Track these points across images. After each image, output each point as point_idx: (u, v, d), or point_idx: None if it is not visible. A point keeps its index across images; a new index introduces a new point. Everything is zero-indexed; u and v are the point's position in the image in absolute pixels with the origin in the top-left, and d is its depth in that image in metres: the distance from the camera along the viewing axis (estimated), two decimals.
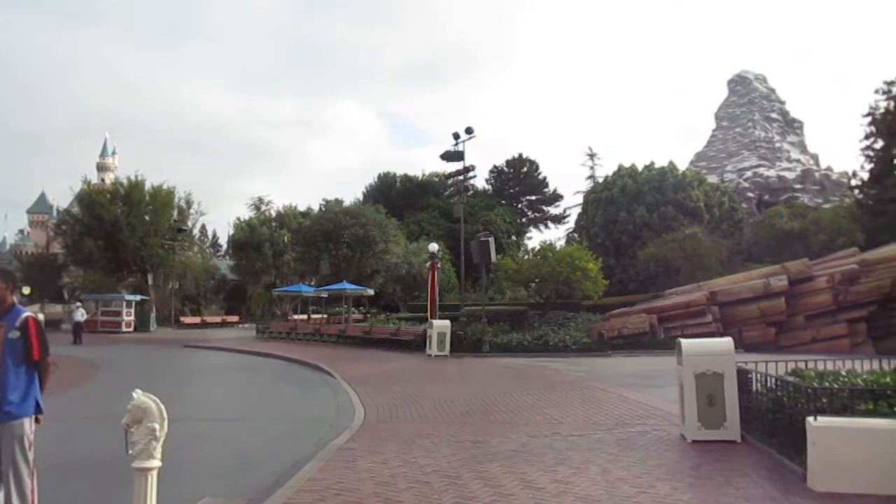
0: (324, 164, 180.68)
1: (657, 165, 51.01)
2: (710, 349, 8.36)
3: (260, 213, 57.22)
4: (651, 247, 39.64)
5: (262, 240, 51.57)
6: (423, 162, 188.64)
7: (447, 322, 23.20)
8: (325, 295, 37.73)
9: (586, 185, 75.00)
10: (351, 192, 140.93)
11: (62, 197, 65.18)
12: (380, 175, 74.15)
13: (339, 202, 58.37)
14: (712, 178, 59.91)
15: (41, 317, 22.76)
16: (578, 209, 61.64)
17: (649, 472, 6.66)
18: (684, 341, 8.53)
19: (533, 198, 76.14)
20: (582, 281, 28.54)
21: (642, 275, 42.09)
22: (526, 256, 42.75)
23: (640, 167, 51.26)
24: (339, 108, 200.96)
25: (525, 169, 74.90)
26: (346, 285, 35.10)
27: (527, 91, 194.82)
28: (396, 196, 68.20)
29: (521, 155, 75.37)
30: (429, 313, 26.51)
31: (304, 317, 41.30)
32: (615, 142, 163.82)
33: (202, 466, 7.67)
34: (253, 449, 8.76)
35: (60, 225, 54.23)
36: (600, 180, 61.69)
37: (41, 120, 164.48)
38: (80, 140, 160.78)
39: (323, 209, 55.70)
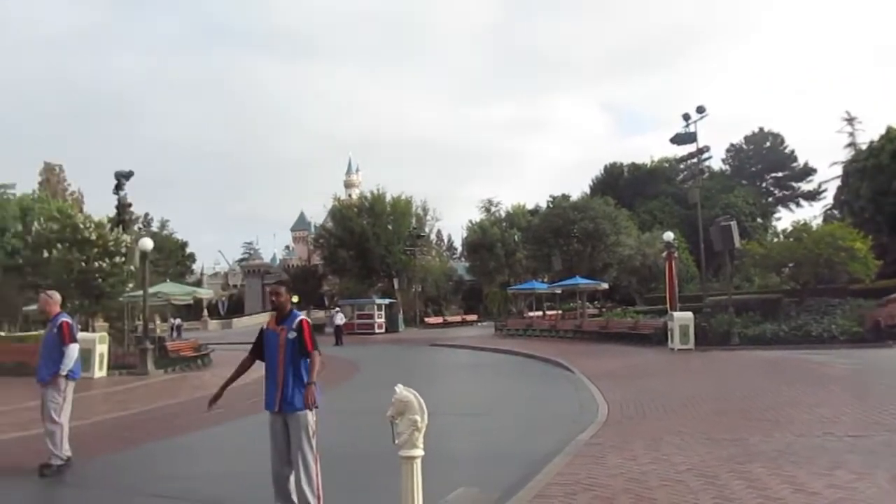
0: (547, 161, 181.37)
1: None
2: None
3: (490, 215, 59.06)
4: None
5: (493, 240, 53.13)
6: (651, 148, 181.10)
7: (689, 314, 22.03)
8: (558, 291, 37.77)
9: (845, 155, 66.66)
10: (577, 187, 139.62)
11: (318, 214, 72.77)
12: (605, 166, 72.70)
13: (566, 197, 58.33)
14: None
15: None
16: (837, 182, 54.93)
17: None
18: None
19: (779, 174, 69.60)
20: (847, 262, 25.36)
21: None
22: (775, 239, 39.06)
23: None
24: (558, 103, 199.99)
25: (768, 143, 68.75)
26: (578, 280, 34.84)
27: (762, 59, 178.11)
28: (624, 186, 66.35)
29: (761, 129, 69.37)
30: (668, 305, 25.38)
31: (539, 313, 41.71)
32: (879, 102, 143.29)
33: (452, 458, 8.00)
34: (499, 442, 8.99)
35: (318, 239, 60.70)
36: (863, 147, 54.35)
37: (295, 148, 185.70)
38: (328, 162, 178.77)
39: (550, 206, 55.99)
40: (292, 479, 5.11)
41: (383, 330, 46.22)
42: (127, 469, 8.23)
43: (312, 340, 5.23)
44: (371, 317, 46.61)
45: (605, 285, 37.64)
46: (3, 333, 29.48)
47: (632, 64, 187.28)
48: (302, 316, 5.38)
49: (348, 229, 51.91)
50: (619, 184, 67.32)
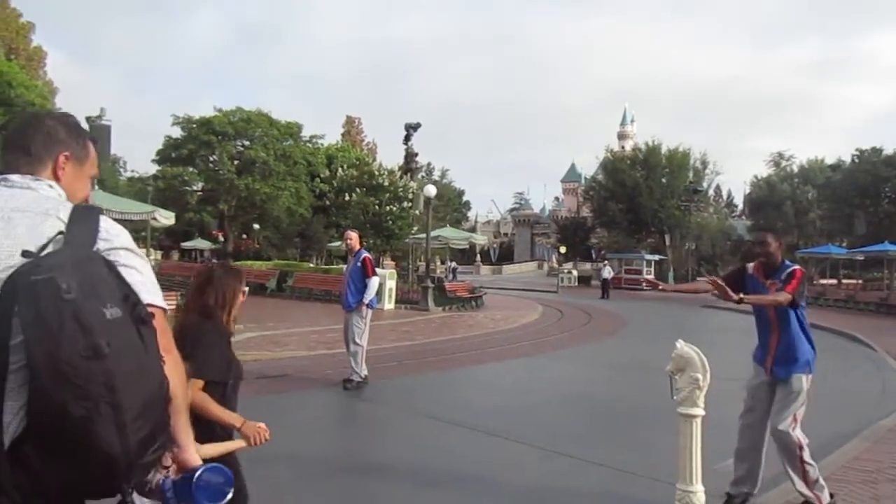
0: (857, 108, 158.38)
1: None
2: None
3: (780, 170, 53.70)
4: None
5: (782, 198, 48.38)
6: None
7: None
8: (860, 257, 33.27)
9: None
10: (893, 139, 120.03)
11: (588, 166, 71.99)
12: None
13: (877, 151, 50.59)
14: None
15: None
16: None
17: None
18: None
19: None
20: None
21: None
22: None
23: None
24: (876, 39, 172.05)
25: None
26: (888, 247, 30.24)
27: None
28: None
29: None
30: None
31: (834, 282, 37.18)
32: None
33: (727, 425, 7.50)
34: None
35: (588, 191, 60.35)
36: None
37: (569, 100, 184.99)
38: (601, 113, 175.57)
39: (856, 161, 49.12)
40: (762, 454, 4.63)
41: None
42: (412, 392, 9.14)
43: (797, 290, 4.44)
44: (639, 272, 45.25)
45: None
46: (312, 265, 34.19)
47: None
48: (795, 266, 4.58)
49: (620, 182, 50.77)
50: None
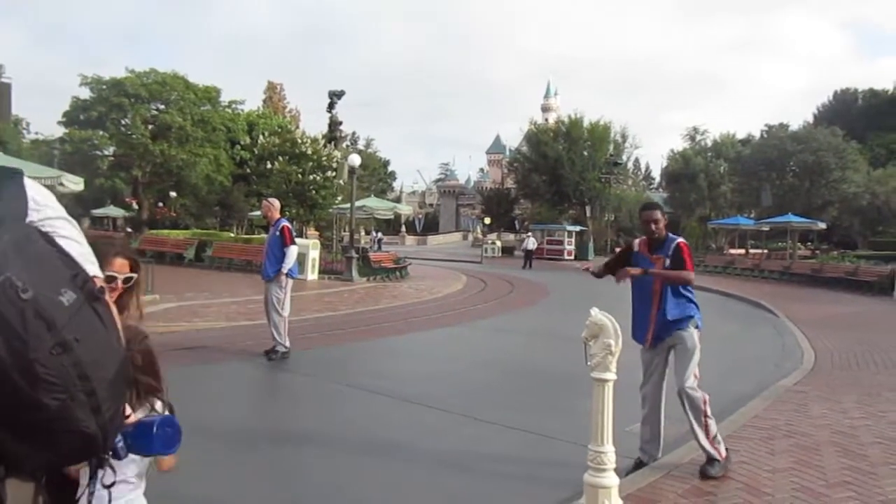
0: (767, 86, 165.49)
1: None
2: None
3: (695, 144, 55.54)
4: None
5: (696, 171, 50.14)
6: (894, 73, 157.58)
7: None
8: (766, 228, 35.05)
9: None
10: (799, 115, 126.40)
11: (513, 138, 72.73)
12: (836, 93, 64.86)
13: (784, 127, 53.21)
14: None
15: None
16: None
17: None
18: None
19: None
20: None
21: None
22: None
23: None
24: (788, 21, 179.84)
25: None
26: (791, 218, 32.00)
27: None
28: (857, 115, 58.93)
29: None
30: None
31: (742, 251, 39.14)
32: None
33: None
34: None
35: (512, 163, 60.93)
36: None
37: (496, 72, 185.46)
38: (527, 85, 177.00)
39: (765, 136, 51.49)
40: (662, 418, 4.86)
41: (572, 257, 45.87)
42: (335, 363, 9.11)
43: (692, 263, 4.68)
44: (560, 243, 46.37)
45: (822, 225, 34.21)
46: (232, 235, 33.31)
47: None
48: (679, 239, 4.76)
49: (543, 154, 51.44)
50: (850, 113, 59.89)
